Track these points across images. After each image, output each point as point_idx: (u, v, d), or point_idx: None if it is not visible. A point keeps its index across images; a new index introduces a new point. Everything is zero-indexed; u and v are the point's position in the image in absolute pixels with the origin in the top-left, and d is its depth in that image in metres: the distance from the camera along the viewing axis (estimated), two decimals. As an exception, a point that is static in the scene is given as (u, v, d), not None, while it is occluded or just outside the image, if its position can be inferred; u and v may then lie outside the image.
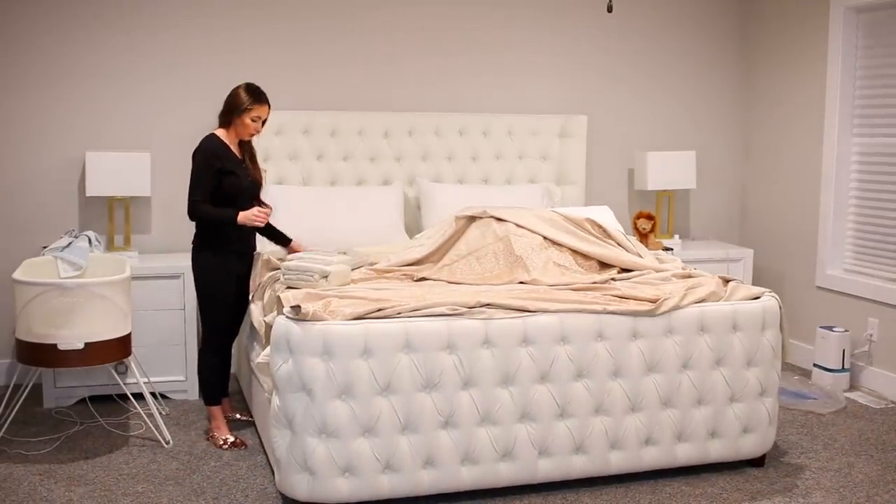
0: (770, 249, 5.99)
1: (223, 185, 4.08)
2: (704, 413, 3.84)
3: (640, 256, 4.44)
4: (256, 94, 4.12)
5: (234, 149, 4.18)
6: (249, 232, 4.22)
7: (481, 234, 4.39)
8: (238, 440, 4.18)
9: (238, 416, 4.51)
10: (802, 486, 3.82)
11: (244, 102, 4.09)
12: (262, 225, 4.15)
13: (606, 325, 3.67)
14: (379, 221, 4.99)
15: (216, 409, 4.26)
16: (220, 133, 4.16)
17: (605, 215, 4.89)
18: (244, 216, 4.06)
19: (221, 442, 4.16)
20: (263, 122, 4.17)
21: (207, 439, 4.24)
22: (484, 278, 4.17)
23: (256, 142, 5.14)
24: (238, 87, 4.14)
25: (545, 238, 4.36)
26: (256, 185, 4.26)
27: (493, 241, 4.32)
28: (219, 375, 4.28)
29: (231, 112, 4.12)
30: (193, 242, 4.19)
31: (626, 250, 4.47)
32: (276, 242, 4.44)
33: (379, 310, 3.46)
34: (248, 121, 4.11)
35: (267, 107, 4.16)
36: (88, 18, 5.00)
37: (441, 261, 4.35)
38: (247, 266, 4.27)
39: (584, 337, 3.64)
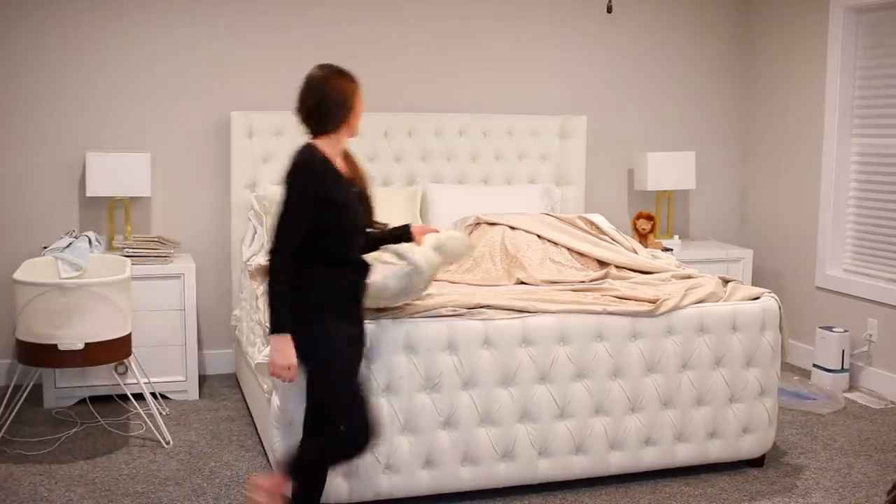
0: (770, 250, 5.99)
1: (326, 219, 2.89)
2: (704, 413, 3.84)
3: (635, 252, 4.45)
4: (351, 75, 3.01)
5: (340, 163, 3.03)
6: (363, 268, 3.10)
7: (477, 238, 4.40)
8: None
9: None
10: (802, 487, 3.82)
11: (353, 91, 2.97)
12: (285, 381, 2.95)
13: (606, 325, 3.67)
14: (379, 222, 4.98)
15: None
16: (321, 144, 2.98)
17: (597, 219, 4.89)
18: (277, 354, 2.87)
19: None
20: None
21: None
22: (483, 280, 4.17)
23: (263, 143, 5.18)
24: (327, 74, 2.97)
25: (539, 237, 4.36)
26: (370, 214, 3.14)
27: (488, 245, 4.32)
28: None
29: (337, 110, 2.94)
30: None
31: (622, 246, 4.47)
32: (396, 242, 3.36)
33: (380, 310, 3.46)
34: (360, 111, 3.02)
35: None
36: (88, 19, 5.00)
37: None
38: (359, 326, 3.17)
39: (583, 337, 3.64)
